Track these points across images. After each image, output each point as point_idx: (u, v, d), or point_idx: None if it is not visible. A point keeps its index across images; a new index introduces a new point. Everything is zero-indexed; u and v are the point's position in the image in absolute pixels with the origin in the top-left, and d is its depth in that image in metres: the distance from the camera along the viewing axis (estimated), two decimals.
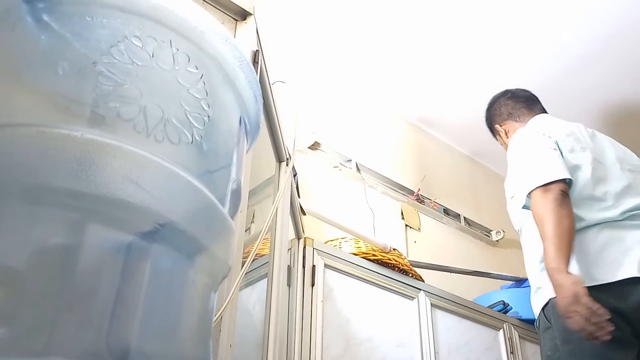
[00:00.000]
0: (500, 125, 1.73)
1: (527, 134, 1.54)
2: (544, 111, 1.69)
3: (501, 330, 1.82)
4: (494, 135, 1.81)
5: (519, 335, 1.86)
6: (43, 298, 0.43)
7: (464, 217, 2.57)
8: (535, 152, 1.42)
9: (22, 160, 0.40)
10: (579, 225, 1.32)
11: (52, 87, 0.44)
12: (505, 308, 1.92)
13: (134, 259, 0.46)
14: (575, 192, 1.38)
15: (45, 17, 0.49)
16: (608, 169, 1.43)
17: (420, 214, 2.38)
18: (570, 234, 1.26)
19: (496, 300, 1.96)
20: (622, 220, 1.32)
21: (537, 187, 1.31)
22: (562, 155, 1.41)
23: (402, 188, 2.33)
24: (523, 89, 1.75)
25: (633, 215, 1.33)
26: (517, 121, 1.67)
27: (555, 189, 1.29)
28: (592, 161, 1.43)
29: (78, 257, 0.44)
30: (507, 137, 1.70)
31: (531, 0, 2.04)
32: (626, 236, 1.29)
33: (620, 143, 1.58)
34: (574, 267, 1.28)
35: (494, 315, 1.85)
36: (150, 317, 0.46)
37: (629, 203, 1.34)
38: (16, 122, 0.42)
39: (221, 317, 0.68)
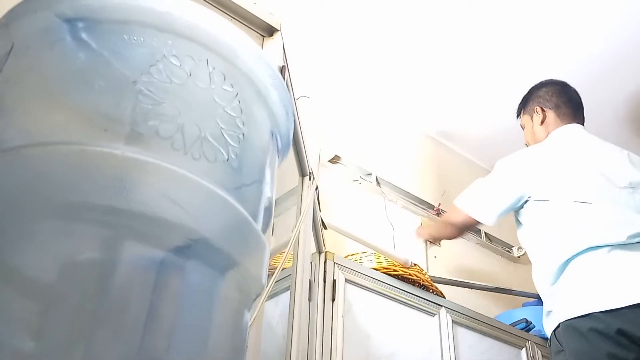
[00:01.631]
0: (542, 110, 1.67)
1: (519, 159, 1.55)
2: (583, 121, 1.65)
3: (524, 349, 1.79)
4: (521, 115, 1.76)
5: (542, 354, 1.83)
6: (76, 314, 0.43)
7: (485, 233, 2.54)
8: (499, 184, 1.55)
9: (61, 178, 0.41)
10: (583, 246, 1.32)
11: (90, 106, 0.45)
12: (527, 326, 1.89)
13: (168, 274, 0.46)
14: (579, 212, 1.37)
15: (84, 36, 0.50)
16: (617, 189, 1.41)
17: None
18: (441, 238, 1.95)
19: (518, 317, 1.93)
20: (629, 244, 1.30)
21: (469, 210, 1.58)
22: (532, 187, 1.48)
23: (422, 202, 2.32)
24: (577, 93, 1.69)
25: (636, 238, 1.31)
26: (559, 117, 1.63)
27: (463, 222, 1.63)
28: (598, 181, 1.41)
29: (111, 273, 0.44)
30: (541, 125, 1.66)
31: (550, 15, 2.03)
32: (634, 260, 1.27)
33: None
34: (581, 291, 1.29)
35: (517, 334, 1.82)
36: (183, 334, 0.46)
37: (635, 227, 1.32)
38: (56, 140, 0.42)
39: (248, 333, 0.68)
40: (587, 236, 1.33)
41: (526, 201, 1.49)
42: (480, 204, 1.57)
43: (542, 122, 1.66)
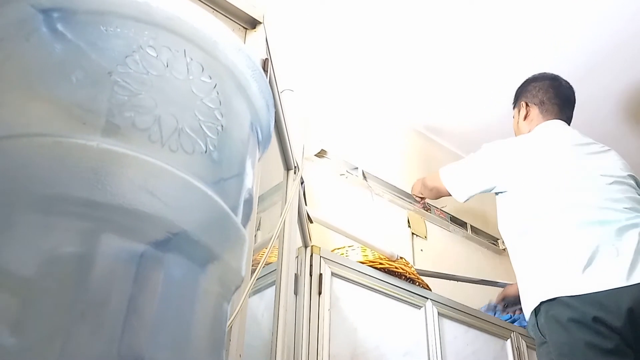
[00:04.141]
0: (527, 105, 1.71)
1: (500, 150, 1.60)
2: (569, 118, 1.68)
3: (509, 340, 1.81)
4: (515, 106, 1.80)
5: (527, 345, 1.85)
6: (56, 308, 0.43)
7: (471, 226, 2.56)
8: (479, 168, 1.64)
9: (38, 171, 0.40)
10: (559, 226, 1.35)
11: (67, 97, 0.44)
12: (512, 317, 1.91)
13: (147, 268, 0.46)
14: (552, 196, 1.41)
15: (60, 27, 0.49)
16: (591, 178, 1.43)
17: (426, 222, 2.37)
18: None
19: None
20: (603, 226, 1.32)
21: (446, 183, 1.71)
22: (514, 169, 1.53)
23: (409, 196, 2.32)
24: (570, 88, 1.72)
25: (613, 221, 1.33)
26: (542, 114, 1.67)
27: (442, 191, 1.78)
28: (572, 170, 1.45)
29: (91, 267, 0.44)
30: (524, 120, 1.71)
31: (537, 10, 2.04)
32: (607, 242, 1.29)
33: (624, 151, 1.59)
34: (550, 270, 1.32)
35: (502, 325, 1.84)
36: (163, 327, 0.46)
37: (605, 213, 1.34)
38: (32, 132, 0.42)
39: (231, 326, 0.68)
40: (559, 217, 1.36)
41: (500, 191, 1.57)
42: (457, 181, 1.70)
43: (525, 118, 1.70)
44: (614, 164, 1.50)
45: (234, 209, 0.49)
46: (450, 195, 1.74)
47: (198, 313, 0.47)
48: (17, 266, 0.44)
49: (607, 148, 1.58)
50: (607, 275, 1.23)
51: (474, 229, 2.57)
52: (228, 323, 0.66)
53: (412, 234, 2.25)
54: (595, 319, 1.20)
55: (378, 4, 2.05)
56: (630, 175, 1.50)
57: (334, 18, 2.12)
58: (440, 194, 1.87)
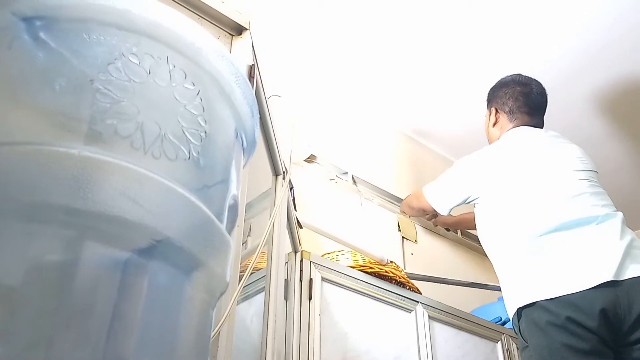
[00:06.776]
0: (497, 112, 1.73)
1: (472, 161, 1.66)
2: (539, 123, 1.69)
3: (499, 342, 1.82)
4: (487, 107, 1.82)
5: (517, 347, 1.86)
6: (40, 315, 0.42)
7: (461, 229, 2.57)
8: (453, 180, 1.71)
9: (19, 178, 0.40)
10: (530, 232, 1.37)
11: (49, 105, 0.44)
12: (502, 320, 1.91)
13: (131, 275, 0.46)
14: (525, 201, 1.43)
15: (42, 35, 0.49)
16: (564, 178, 1.45)
17: (416, 226, 2.38)
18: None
19: (494, 311, 1.97)
20: (571, 228, 1.34)
21: (429, 198, 1.78)
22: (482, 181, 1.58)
23: (399, 200, 2.33)
24: (542, 94, 1.73)
25: (582, 222, 1.35)
26: (511, 122, 1.69)
27: (427, 209, 1.86)
28: (546, 170, 1.47)
29: (75, 274, 0.44)
30: (494, 127, 1.74)
31: (523, 12, 2.06)
32: (580, 244, 1.31)
33: (609, 153, 1.61)
34: (528, 276, 1.35)
35: (492, 327, 1.85)
36: (148, 334, 0.46)
37: (578, 212, 1.36)
38: (14, 140, 0.42)
39: (219, 333, 0.68)
40: (532, 223, 1.38)
41: (475, 199, 1.62)
42: (437, 196, 1.78)
43: (494, 124, 1.73)
44: (579, 160, 1.52)
45: (219, 215, 0.49)
46: (434, 211, 1.81)
47: (183, 320, 0.47)
48: (1, 274, 0.43)
49: (570, 142, 1.60)
50: (580, 277, 1.24)
51: (464, 233, 2.58)
52: (216, 329, 0.66)
53: (403, 237, 2.26)
54: (569, 319, 1.21)
55: (367, 8, 2.07)
56: (594, 171, 1.52)
57: (321, 23, 2.13)
58: (425, 212, 1.97)
